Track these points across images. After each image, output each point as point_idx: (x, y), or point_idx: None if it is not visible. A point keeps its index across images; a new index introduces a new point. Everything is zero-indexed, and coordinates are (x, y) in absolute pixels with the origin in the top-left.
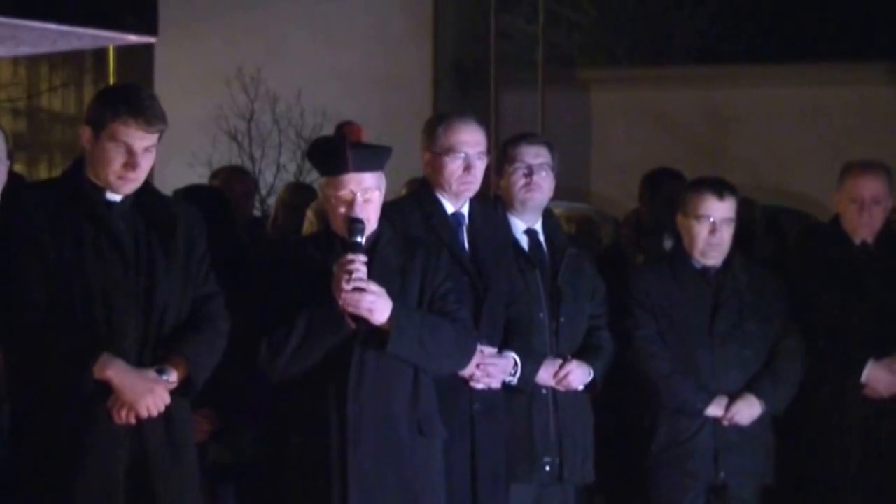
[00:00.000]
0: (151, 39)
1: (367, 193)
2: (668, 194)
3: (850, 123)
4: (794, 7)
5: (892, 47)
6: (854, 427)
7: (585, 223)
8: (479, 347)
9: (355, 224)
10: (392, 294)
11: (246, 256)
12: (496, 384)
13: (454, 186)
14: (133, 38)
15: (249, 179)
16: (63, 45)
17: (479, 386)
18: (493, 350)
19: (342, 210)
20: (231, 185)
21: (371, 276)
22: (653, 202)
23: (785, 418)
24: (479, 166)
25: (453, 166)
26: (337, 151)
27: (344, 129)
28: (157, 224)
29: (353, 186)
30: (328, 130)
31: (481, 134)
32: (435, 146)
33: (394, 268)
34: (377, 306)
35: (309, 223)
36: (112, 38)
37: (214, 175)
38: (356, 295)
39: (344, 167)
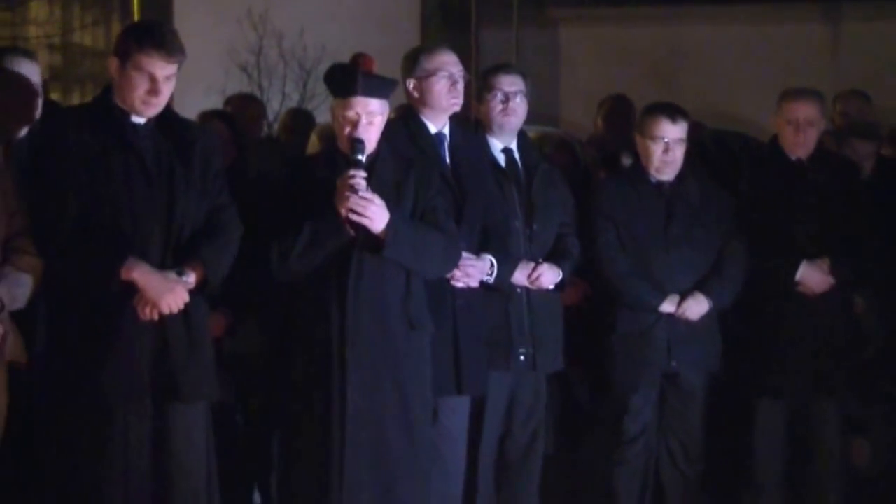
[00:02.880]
0: None
1: (371, 117)
2: (622, 117)
3: (788, 56)
4: None
5: None
6: (789, 319)
7: (564, 145)
8: None
9: (357, 143)
10: (388, 206)
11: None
12: (474, 283)
13: (444, 103)
14: None
15: (258, 105)
16: None
17: (460, 285)
18: (472, 255)
19: (347, 130)
20: (242, 109)
21: (370, 189)
22: (608, 125)
23: (730, 313)
24: (461, 84)
25: (440, 85)
26: (349, 77)
27: (358, 59)
28: (177, 144)
29: (359, 109)
30: (328, 63)
31: (457, 57)
32: (419, 72)
33: (390, 183)
34: (376, 216)
35: (312, 145)
36: None
37: (227, 101)
38: (357, 205)
39: (354, 91)
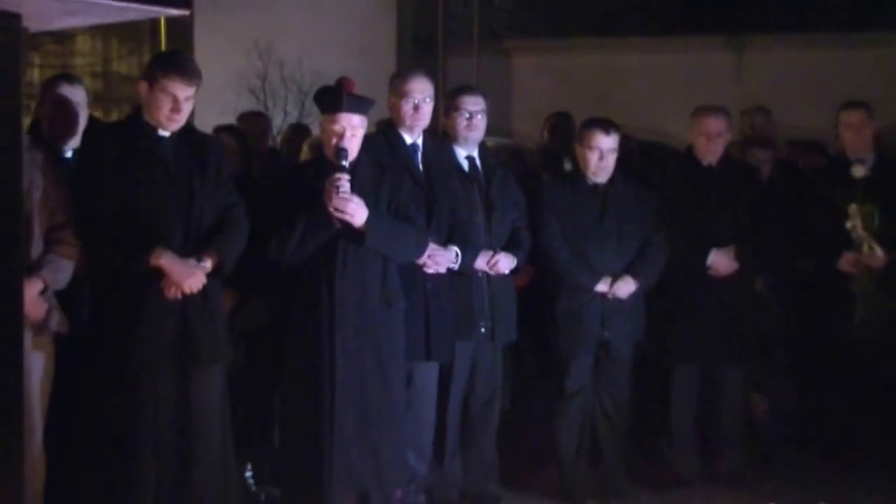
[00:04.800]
0: (186, 12)
1: (353, 130)
2: (564, 130)
3: (700, 79)
4: None
5: (728, 23)
6: (701, 297)
7: (517, 153)
8: (430, 244)
9: (342, 151)
10: (367, 204)
11: (260, 178)
12: (442, 270)
13: (407, 121)
14: (173, 12)
15: (265, 120)
16: (119, 17)
17: (430, 271)
18: (440, 247)
19: (334, 140)
20: (251, 124)
21: (352, 190)
22: (553, 136)
23: (653, 292)
24: (425, 106)
25: (406, 107)
26: (336, 96)
27: (342, 81)
28: (195, 153)
29: (343, 123)
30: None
31: (427, 83)
32: (394, 93)
33: (369, 185)
34: (357, 213)
35: (303, 153)
36: (157, 12)
37: (239, 118)
38: (342, 204)
39: (339, 108)
